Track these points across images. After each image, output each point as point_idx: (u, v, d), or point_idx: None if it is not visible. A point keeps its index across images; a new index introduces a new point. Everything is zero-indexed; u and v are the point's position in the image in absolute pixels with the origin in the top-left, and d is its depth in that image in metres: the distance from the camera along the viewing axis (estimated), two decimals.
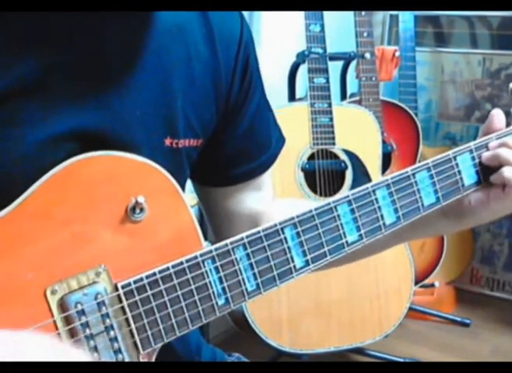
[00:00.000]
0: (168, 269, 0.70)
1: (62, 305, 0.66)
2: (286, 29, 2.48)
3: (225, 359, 1.01)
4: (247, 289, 0.75)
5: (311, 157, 2.02)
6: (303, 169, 2.00)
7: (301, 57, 2.06)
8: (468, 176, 0.91)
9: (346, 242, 0.81)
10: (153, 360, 0.71)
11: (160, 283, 0.69)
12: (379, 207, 0.83)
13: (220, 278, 0.73)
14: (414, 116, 2.56)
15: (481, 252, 3.05)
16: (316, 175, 2.03)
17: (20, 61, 0.68)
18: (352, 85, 2.57)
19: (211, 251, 0.73)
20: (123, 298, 0.68)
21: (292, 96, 2.23)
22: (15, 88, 0.68)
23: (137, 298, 0.69)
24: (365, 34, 2.34)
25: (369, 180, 2.05)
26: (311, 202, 1.88)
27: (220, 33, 0.85)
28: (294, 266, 0.78)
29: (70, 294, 0.66)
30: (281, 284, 0.77)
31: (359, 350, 2.32)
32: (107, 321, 0.68)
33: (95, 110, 0.73)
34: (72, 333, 0.66)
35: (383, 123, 2.40)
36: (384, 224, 0.84)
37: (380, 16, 3.09)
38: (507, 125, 0.95)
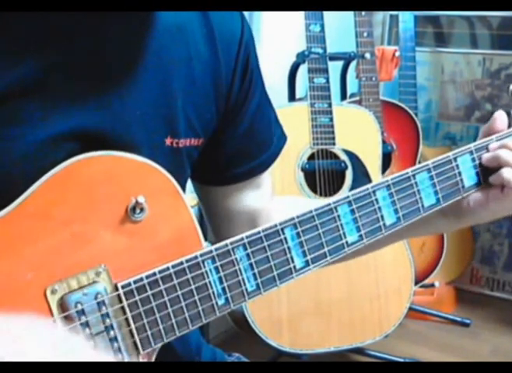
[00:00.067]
0: (168, 269, 0.70)
1: (62, 305, 0.66)
2: (286, 29, 2.48)
3: (225, 359, 1.01)
4: (247, 289, 0.75)
5: (311, 157, 2.02)
6: (303, 169, 2.00)
7: (301, 57, 2.06)
8: (469, 178, 0.91)
9: (346, 242, 0.81)
10: (153, 360, 0.71)
11: (160, 283, 0.69)
12: (379, 208, 0.83)
13: (220, 278, 0.73)
14: (414, 116, 2.56)
15: (481, 252, 3.05)
16: (316, 175, 2.03)
17: (20, 61, 0.68)
18: (352, 85, 2.57)
19: (211, 251, 0.73)
20: (123, 298, 0.68)
21: (292, 96, 2.23)
22: (15, 88, 0.68)
23: (137, 297, 0.69)
24: (365, 34, 2.34)
25: (370, 180, 2.05)
26: (310, 199, 1.89)
27: (221, 33, 0.85)
28: (294, 267, 0.78)
29: (70, 294, 0.66)
30: (281, 285, 0.77)
31: (359, 350, 2.32)
32: (107, 321, 0.68)
33: (95, 110, 0.73)
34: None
35: (383, 123, 2.40)
36: (384, 224, 0.84)
37: (380, 16, 3.09)
38: (508, 126, 0.95)
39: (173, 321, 0.70)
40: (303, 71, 2.10)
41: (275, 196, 1.01)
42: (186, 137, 0.82)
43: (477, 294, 3.04)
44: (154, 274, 0.69)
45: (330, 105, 2.02)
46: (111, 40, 0.75)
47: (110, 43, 0.75)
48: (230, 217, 0.96)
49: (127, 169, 0.71)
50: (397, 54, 2.56)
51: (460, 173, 0.91)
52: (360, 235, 0.82)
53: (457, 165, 0.90)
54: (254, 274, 0.75)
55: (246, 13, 2.08)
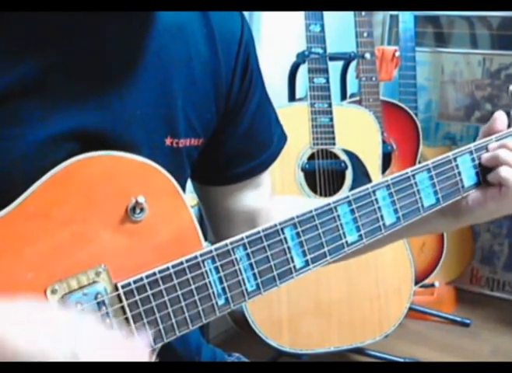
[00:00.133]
0: (168, 269, 0.70)
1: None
2: (286, 29, 2.48)
3: (225, 359, 1.01)
4: (246, 289, 0.75)
5: (311, 157, 2.02)
6: (303, 169, 2.00)
7: (301, 58, 2.06)
8: (468, 178, 0.91)
9: (346, 242, 0.81)
10: (153, 360, 0.71)
11: (160, 283, 0.69)
12: (379, 208, 0.84)
13: (220, 278, 0.73)
14: (414, 116, 2.56)
15: (481, 252, 3.05)
16: (316, 175, 2.03)
17: (20, 61, 0.69)
18: (352, 86, 2.57)
19: (211, 251, 0.73)
20: (123, 298, 0.68)
21: (292, 96, 2.23)
22: (15, 88, 0.68)
23: (137, 297, 0.69)
24: (365, 34, 2.34)
25: (370, 180, 2.05)
26: (309, 199, 1.89)
27: (221, 33, 0.85)
28: (294, 267, 0.78)
29: (70, 294, 0.66)
30: (281, 285, 0.77)
31: (359, 350, 2.32)
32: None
33: (95, 110, 0.73)
34: None
35: (383, 123, 2.40)
36: (383, 224, 0.84)
37: (380, 16, 3.08)
38: (508, 126, 0.95)
39: (173, 321, 0.70)
40: (303, 71, 2.10)
41: (275, 196, 1.01)
42: (186, 137, 0.82)
43: (477, 294, 3.03)
44: (154, 274, 0.69)
45: (330, 105, 2.02)
46: (111, 40, 0.75)
47: (110, 43, 0.75)
48: (230, 217, 0.96)
49: (127, 169, 0.71)
50: (397, 54, 2.56)
51: (459, 173, 0.91)
52: (360, 235, 0.82)
53: (456, 165, 0.90)
54: (254, 274, 0.75)
55: (246, 13, 2.08)
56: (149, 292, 0.69)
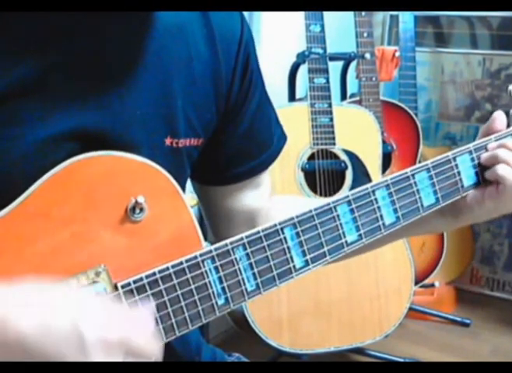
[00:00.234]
0: (168, 269, 0.70)
1: None
2: (286, 29, 2.48)
3: (225, 359, 1.01)
4: (246, 289, 0.75)
5: (311, 157, 2.02)
6: (303, 169, 2.00)
7: (301, 58, 2.06)
8: (468, 177, 0.92)
9: (346, 241, 0.81)
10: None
11: (160, 283, 0.69)
12: (378, 208, 0.84)
13: (220, 278, 0.73)
14: (414, 116, 2.56)
15: (481, 252, 3.05)
16: (316, 175, 2.03)
17: (20, 61, 0.69)
18: (352, 86, 2.57)
19: (210, 251, 0.73)
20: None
21: (292, 96, 2.23)
22: (15, 88, 0.68)
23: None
24: (365, 34, 2.34)
25: (370, 180, 2.05)
26: (309, 199, 1.89)
27: (221, 33, 0.85)
28: (294, 266, 0.78)
29: None
30: (280, 284, 0.77)
31: (359, 350, 2.32)
32: None
33: (95, 110, 0.73)
34: None
35: (383, 123, 2.40)
36: (383, 224, 0.84)
37: (380, 17, 3.08)
38: (507, 126, 0.95)
39: (173, 321, 0.70)
40: (303, 72, 2.10)
41: (275, 196, 1.01)
42: (186, 137, 0.83)
43: (477, 294, 3.03)
44: (154, 274, 0.69)
45: (330, 105, 2.02)
46: (111, 40, 0.75)
47: (110, 43, 0.75)
48: (230, 217, 0.96)
49: (127, 169, 0.72)
50: (397, 54, 2.56)
51: (459, 173, 0.91)
52: (359, 235, 0.82)
53: (456, 165, 0.91)
54: (254, 274, 0.75)
55: (246, 13, 2.08)
56: (149, 292, 0.69)
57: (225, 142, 0.91)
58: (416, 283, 2.38)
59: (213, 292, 0.73)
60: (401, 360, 2.35)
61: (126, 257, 0.70)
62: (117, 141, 0.74)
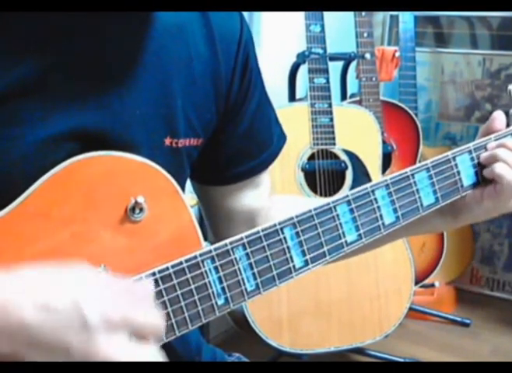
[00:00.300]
0: (167, 269, 0.70)
1: None
2: (286, 29, 2.48)
3: (225, 359, 1.01)
4: (246, 289, 0.75)
5: (311, 157, 2.02)
6: (303, 169, 2.01)
7: (301, 58, 2.06)
8: (467, 177, 0.92)
9: (345, 241, 0.81)
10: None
11: (160, 283, 0.69)
12: (378, 207, 0.84)
13: (220, 278, 0.73)
14: (414, 116, 2.56)
15: (481, 252, 3.05)
16: (316, 175, 2.04)
17: (20, 61, 0.69)
18: (352, 86, 2.57)
19: (210, 251, 0.73)
20: None
21: (292, 96, 2.23)
22: (15, 88, 0.68)
23: None
24: (365, 35, 2.34)
25: (370, 180, 2.04)
26: (309, 198, 1.89)
27: (220, 33, 0.85)
28: (293, 266, 0.78)
29: None
30: (280, 284, 0.77)
31: (359, 350, 2.32)
32: None
33: (95, 110, 0.73)
34: None
35: (383, 123, 2.40)
36: (383, 224, 0.84)
37: (381, 17, 3.09)
38: (507, 126, 0.95)
39: (173, 320, 0.70)
40: (303, 72, 2.10)
41: (275, 195, 1.01)
42: (185, 137, 0.83)
43: (477, 294, 3.04)
44: (153, 274, 0.69)
45: (330, 105, 2.03)
46: (111, 40, 0.75)
47: (110, 43, 0.75)
48: (229, 217, 0.96)
49: (126, 169, 0.72)
50: (397, 54, 2.56)
51: (459, 172, 0.91)
52: (359, 235, 0.82)
53: (455, 165, 0.91)
54: (254, 274, 0.75)
55: (246, 14, 2.08)
56: None
57: (225, 142, 0.91)
58: (416, 283, 2.38)
59: (213, 292, 0.73)
60: (401, 360, 2.35)
61: (126, 257, 0.70)
62: (117, 141, 0.74)
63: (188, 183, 0.92)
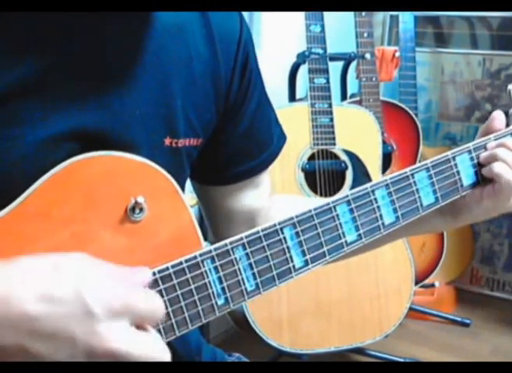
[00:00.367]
0: (167, 269, 0.70)
1: None
2: (287, 29, 2.48)
3: (225, 359, 1.01)
4: (246, 289, 0.75)
5: (311, 157, 2.02)
6: (303, 170, 2.01)
7: (301, 58, 2.06)
8: (467, 177, 0.92)
9: (345, 241, 0.81)
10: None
11: (160, 283, 0.69)
12: (378, 207, 0.84)
13: (220, 278, 0.73)
14: (414, 116, 2.56)
15: (481, 252, 3.05)
16: (316, 175, 2.04)
17: (20, 61, 0.69)
18: (352, 86, 2.58)
19: (210, 251, 0.72)
20: None
21: (292, 97, 2.23)
22: (15, 88, 0.68)
23: None
24: (365, 35, 2.34)
25: (370, 180, 2.03)
26: (309, 198, 1.89)
27: (220, 33, 0.85)
28: (293, 266, 0.78)
29: None
30: (280, 284, 0.77)
31: (359, 350, 2.32)
32: None
33: (95, 110, 0.73)
34: None
35: (383, 123, 2.40)
36: (383, 224, 0.84)
37: (381, 17, 3.09)
38: (506, 126, 0.95)
39: (173, 321, 0.70)
40: (303, 72, 2.10)
41: (275, 195, 1.01)
42: (185, 137, 0.83)
43: (477, 294, 3.04)
44: (153, 274, 0.69)
45: (330, 105, 2.03)
46: (111, 40, 0.75)
47: (110, 43, 0.75)
48: (230, 217, 0.96)
49: (126, 169, 0.72)
50: (397, 54, 2.56)
51: (458, 172, 0.91)
52: (359, 235, 0.82)
53: (455, 164, 0.91)
54: (254, 274, 0.75)
55: (246, 14, 2.08)
56: None
57: (225, 142, 0.91)
58: (416, 283, 2.38)
59: (213, 292, 0.73)
60: (401, 360, 2.35)
61: (126, 257, 0.70)
62: (117, 141, 0.74)
63: (188, 183, 0.92)
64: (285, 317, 1.95)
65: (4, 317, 0.57)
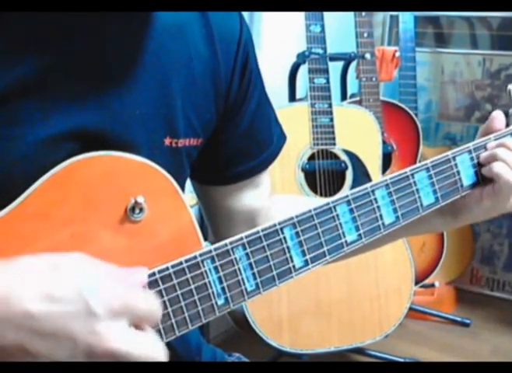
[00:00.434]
0: (167, 269, 0.70)
1: None
2: (287, 29, 2.48)
3: (225, 359, 1.01)
4: (246, 289, 0.75)
5: (311, 157, 2.02)
6: (303, 170, 2.01)
7: (301, 58, 2.06)
8: (467, 177, 0.92)
9: (345, 241, 0.81)
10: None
11: (160, 283, 0.69)
12: (378, 207, 0.84)
13: (220, 278, 0.73)
14: (414, 116, 2.56)
15: (481, 252, 3.05)
16: (316, 175, 2.04)
17: (20, 61, 0.69)
18: (352, 86, 2.58)
19: (210, 251, 0.72)
20: None
21: (292, 97, 2.23)
22: (15, 88, 0.68)
23: None
24: (365, 35, 2.34)
25: (370, 180, 2.03)
26: (309, 198, 1.89)
27: (220, 33, 0.85)
28: (293, 266, 0.78)
29: None
30: (280, 284, 0.77)
31: (359, 350, 2.32)
32: None
33: (95, 110, 0.73)
34: None
35: (383, 123, 2.40)
36: (383, 223, 0.84)
37: (381, 17, 3.09)
38: (506, 126, 0.95)
39: (173, 321, 0.70)
40: (303, 72, 2.10)
41: (275, 195, 1.01)
42: (185, 137, 0.83)
43: (477, 294, 3.04)
44: (153, 274, 0.69)
45: (330, 105, 2.03)
46: (111, 40, 0.75)
47: (110, 43, 0.75)
48: (230, 217, 0.96)
49: (126, 169, 0.72)
50: (397, 54, 2.56)
51: (458, 172, 0.91)
52: (359, 234, 0.82)
53: (455, 165, 0.91)
54: (254, 274, 0.75)
55: (246, 14, 2.08)
56: None
57: (225, 142, 0.91)
58: (416, 283, 2.38)
59: (213, 292, 0.73)
60: (401, 360, 2.35)
61: (126, 257, 0.70)
62: (117, 141, 0.74)
63: (188, 183, 0.92)
64: (285, 317, 1.95)
65: (4, 316, 0.57)
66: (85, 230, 0.68)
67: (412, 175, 0.87)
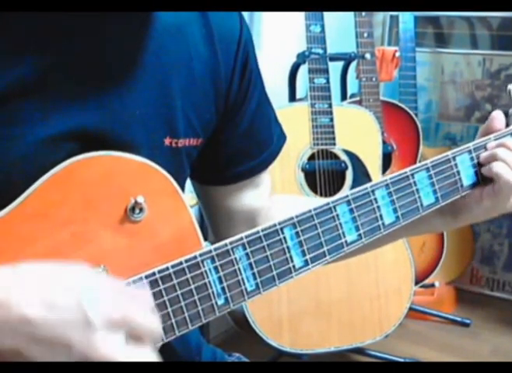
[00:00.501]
0: (167, 269, 0.70)
1: None
2: (287, 29, 2.48)
3: (225, 359, 1.01)
4: (246, 289, 0.75)
5: (311, 157, 2.02)
6: (303, 170, 2.01)
7: (301, 58, 2.06)
8: (467, 177, 0.92)
9: (345, 241, 0.81)
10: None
11: (160, 283, 0.69)
12: (378, 207, 0.84)
13: (220, 278, 0.73)
14: (414, 116, 2.56)
15: (481, 252, 3.05)
16: (316, 175, 2.04)
17: (20, 61, 0.69)
18: (352, 86, 2.57)
19: (210, 251, 0.73)
20: None
21: (292, 97, 2.23)
22: (15, 88, 0.68)
23: None
24: (365, 35, 2.34)
25: (370, 180, 2.03)
26: (309, 198, 1.89)
27: (219, 33, 0.85)
28: (293, 266, 0.78)
29: None
30: (280, 284, 0.77)
31: (359, 350, 2.32)
32: None
33: (95, 110, 0.73)
34: None
35: (383, 123, 2.40)
36: (383, 223, 0.84)
37: (381, 17, 3.09)
38: (506, 126, 0.95)
39: (173, 321, 0.70)
40: (303, 72, 2.10)
41: (275, 195, 1.01)
42: (185, 137, 0.83)
43: (477, 294, 3.04)
44: (153, 274, 0.69)
45: (330, 105, 2.03)
46: (111, 40, 0.75)
47: (109, 43, 0.75)
48: (230, 217, 0.96)
49: (126, 169, 0.72)
50: (397, 54, 2.56)
51: (458, 172, 0.91)
52: (359, 235, 0.82)
53: (455, 165, 0.91)
54: (254, 274, 0.75)
55: (246, 14, 2.08)
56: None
57: (224, 142, 0.91)
58: (416, 283, 2.38)
59: (213, 292, 0.73)
60: (401, 360, 2.35)
61: (126, 257, 0.70)
62: (117, 141, 0.74)
63: (188, 183, 0.92)
64: (285, 317, 1.95)
65: (4, 321, 0.57)
66: (85, 230, 0.68)
67: (412, 175, 0.87)
